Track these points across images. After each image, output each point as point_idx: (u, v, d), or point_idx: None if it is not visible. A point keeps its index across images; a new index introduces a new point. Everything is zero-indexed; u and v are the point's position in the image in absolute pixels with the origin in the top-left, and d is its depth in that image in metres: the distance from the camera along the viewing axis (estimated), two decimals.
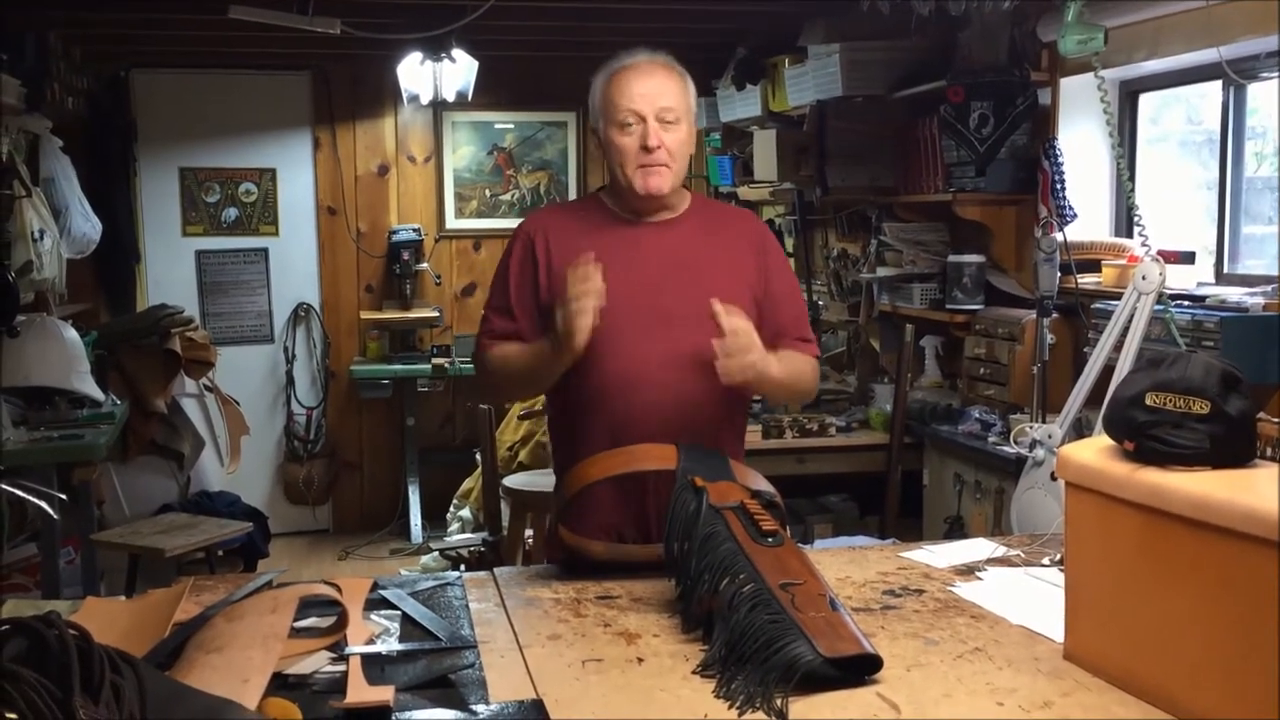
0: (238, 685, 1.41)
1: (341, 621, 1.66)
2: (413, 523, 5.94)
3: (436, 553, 5.00)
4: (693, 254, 2.10)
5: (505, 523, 4.06)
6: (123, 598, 1.94)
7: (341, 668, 1.54)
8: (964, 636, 1.68)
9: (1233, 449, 1.44)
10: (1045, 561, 2.03)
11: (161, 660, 1.55)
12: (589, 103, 2.15)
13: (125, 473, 4.58)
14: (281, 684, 1.50)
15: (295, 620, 1.64)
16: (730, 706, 1.41)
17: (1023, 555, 2.09)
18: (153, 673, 1.28)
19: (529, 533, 4.02)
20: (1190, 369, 1.47)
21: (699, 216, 2.18)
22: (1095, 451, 1.57)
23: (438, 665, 1.57)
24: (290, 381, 6.19)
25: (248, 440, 5.29)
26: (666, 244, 2.11)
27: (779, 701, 1.39)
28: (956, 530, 3.66)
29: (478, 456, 4.76)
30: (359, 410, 6.25)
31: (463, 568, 4.35)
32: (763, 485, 1.87)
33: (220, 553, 4.18)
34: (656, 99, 2.04)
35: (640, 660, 1.58)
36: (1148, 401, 1.48)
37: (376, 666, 1.55)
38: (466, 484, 5.52)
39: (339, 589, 1.77)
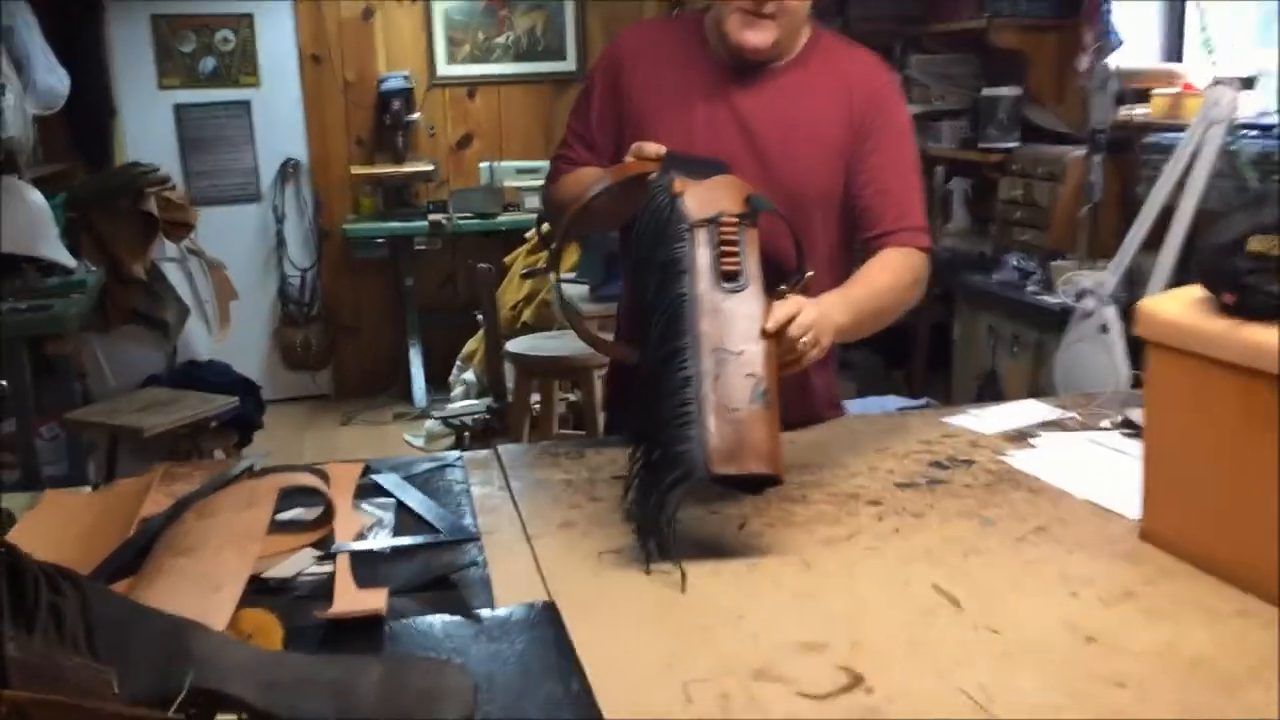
0: (209, 594, 1.24)
1: (328, 514, 1.49)
2: (415, 386, 5.80)
3: (440, 421, 4.86)
4: (785, 113, 1.80)
5: (511, 387, 3.88)
6: (87, 489, 1.77)
7: (328, 568, 1.36)
8: (1024, 514, 1.51)
9: None
10: (1105, 425, 1.85)
11: (128, 560, 1.37)
12: None
13: (107, 343, 4.36)
14: (261, 588, 1.33)
15: (278, 512, 1.46)
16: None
17: (1079, 418, 1.90)
18: (101, 591, 1.10)
19: (535, 398, 3.85)
20: None
21: (806, 66, 1.84)
22: (1184, 305, 1.36)
23: (437, 563, 1.40)
24: (281, 242, 5.94)
25: (239, 305, 5.09)
26: (759, 97, 1.81)
27: (665, 529, 1.36)
28: (990, 388, 3.47)
29: (479, 318, 4.57)
30: (354, 271, 6.03)
31: (467, 436, 4.20)
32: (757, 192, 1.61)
33: (213, 424, 4.01)
34: None
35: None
36: (1250, 248, 1.28)
37: (368, 565, 1.38)
38: (470, 345, 5.34)
39: (326, 477, 1.59)
